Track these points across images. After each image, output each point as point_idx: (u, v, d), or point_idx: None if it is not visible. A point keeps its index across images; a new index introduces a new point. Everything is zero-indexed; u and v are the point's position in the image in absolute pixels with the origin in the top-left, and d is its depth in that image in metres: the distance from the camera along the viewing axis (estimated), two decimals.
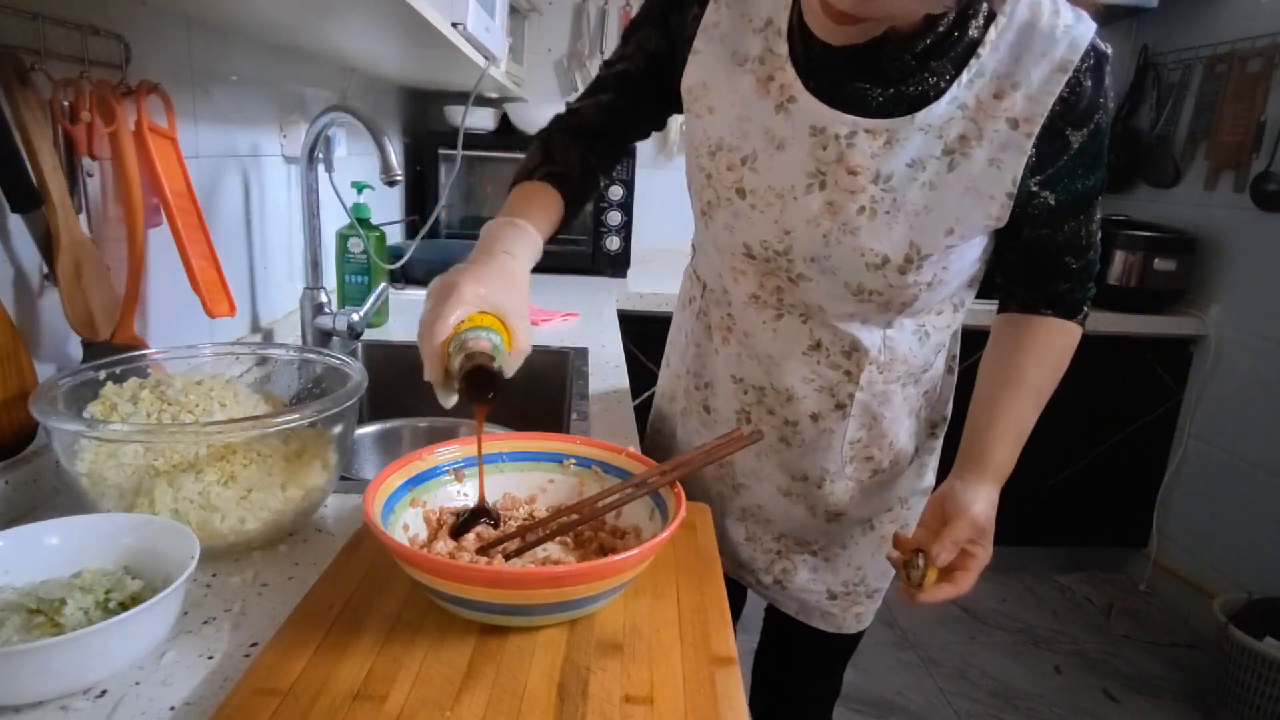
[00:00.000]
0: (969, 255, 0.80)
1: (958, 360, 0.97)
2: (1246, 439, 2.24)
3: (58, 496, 0.77)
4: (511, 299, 0.68)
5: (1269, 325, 2.19)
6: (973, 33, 0.71)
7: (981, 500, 0.76)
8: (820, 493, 0.93)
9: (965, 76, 0.71)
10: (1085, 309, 0.84)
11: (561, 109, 0.94)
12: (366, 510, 0.58)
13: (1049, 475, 2.46)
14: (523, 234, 0.76)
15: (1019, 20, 0.71)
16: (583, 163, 0.88)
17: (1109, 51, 0.72)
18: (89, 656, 0.50)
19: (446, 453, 0.71)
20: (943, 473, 0.85)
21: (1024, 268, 0.82)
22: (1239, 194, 2.25)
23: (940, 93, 0.72)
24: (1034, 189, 0.74)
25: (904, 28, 0.70)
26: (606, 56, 0.95)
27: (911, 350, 0.86)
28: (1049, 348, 0.83)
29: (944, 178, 0.73)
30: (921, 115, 0.72)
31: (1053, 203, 0.75)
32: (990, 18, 0.71)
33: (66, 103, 0.77)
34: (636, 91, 0.89)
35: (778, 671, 1.17)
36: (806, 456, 0.92)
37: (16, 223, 0.75)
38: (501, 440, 0.74)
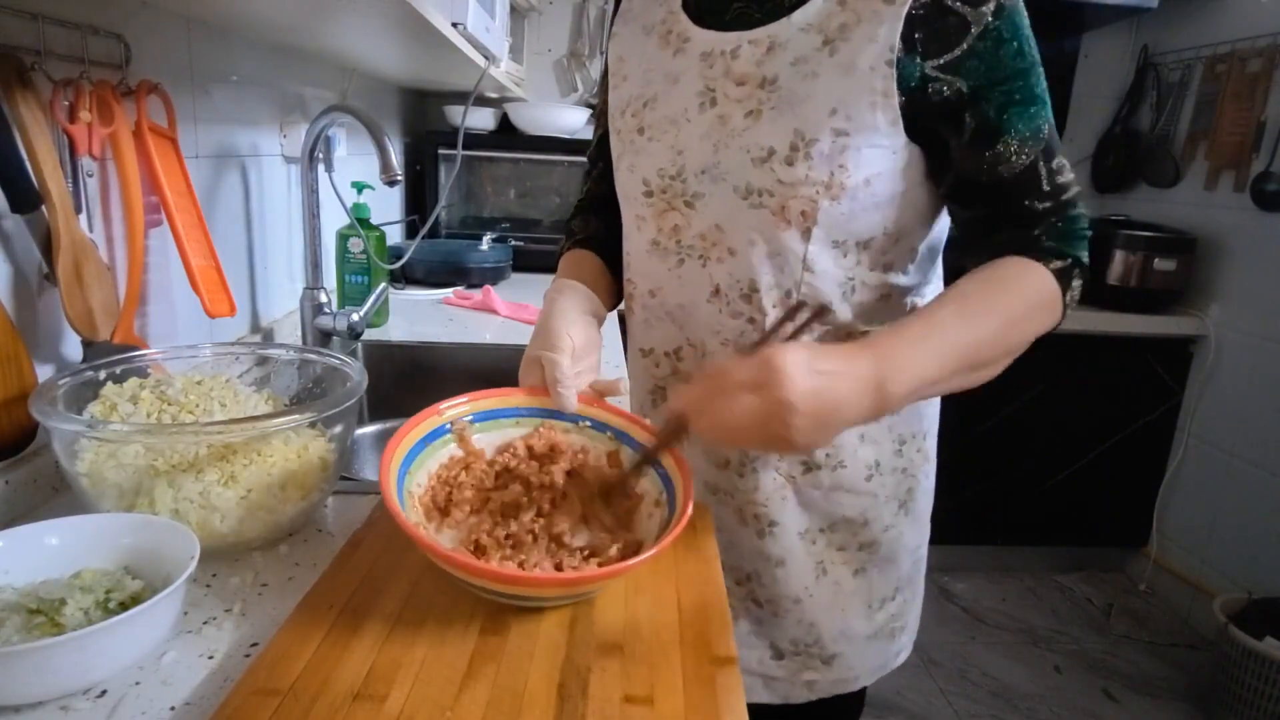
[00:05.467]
0: (878, 163, 0.72)
1: None
2: (1246, 439, 2.24)
3: (58, 496, 0.77)
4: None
5: (1269, 325, 2.19)
6: None
7: (804, 353, 0.59)
8: (744, 486, 0.84)
9: None
10: (1068, 267, 0.71)
11: (561, 108, 0.94)
12: (387, 498, 0.59)
13: (1049, 475, 2.46)
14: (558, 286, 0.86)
15: None
16: (604, 227, 0.95)
17: None
18: (89, 656, 0.50)
19: (449, 411, 0.71)
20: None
21: (981, 221, 0.75)
22: (1239, 194, 2.25)
23: None
24: (931, 73, 0.69)
25: None
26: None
27: (839, 304, 0.78)
28: (999, 275, 0.71)
29: (825, 64, 0.72)
30: (798, 15, 0.73)
31: (965, 90, 0.70)
32: None
33: (66, 103, 0.77)
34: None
35: None
36: None
37: (17, 223, 0.75)
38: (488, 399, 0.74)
